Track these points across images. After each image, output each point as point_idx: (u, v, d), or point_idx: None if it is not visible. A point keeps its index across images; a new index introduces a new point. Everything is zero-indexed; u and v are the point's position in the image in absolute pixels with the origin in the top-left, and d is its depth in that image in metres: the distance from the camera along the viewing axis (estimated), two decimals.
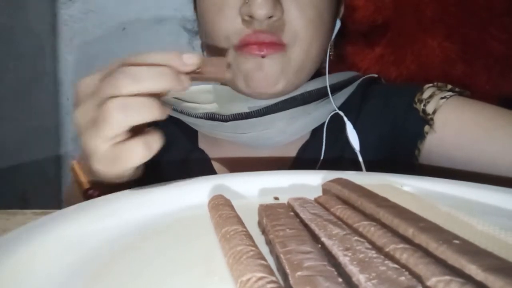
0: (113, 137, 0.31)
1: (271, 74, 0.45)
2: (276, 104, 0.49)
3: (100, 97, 0.31)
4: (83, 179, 0.39)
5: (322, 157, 0.51)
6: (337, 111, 0.51)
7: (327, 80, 0.51)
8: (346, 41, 0.70)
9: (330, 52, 0.53)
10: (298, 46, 0.45)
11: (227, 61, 0.37)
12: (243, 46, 0.44)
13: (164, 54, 0.33)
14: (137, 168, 0.34)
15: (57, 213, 0.28)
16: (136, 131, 0.32)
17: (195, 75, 0.34)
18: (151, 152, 0.32)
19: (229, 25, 0.44)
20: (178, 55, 0.33)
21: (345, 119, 0.51)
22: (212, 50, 0.47)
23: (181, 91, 0.33)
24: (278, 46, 0.44)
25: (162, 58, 0.32)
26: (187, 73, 0.33)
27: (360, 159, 0.50)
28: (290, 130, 0.50)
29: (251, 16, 0.42)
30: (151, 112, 0.31)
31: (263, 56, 0.44)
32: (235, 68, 0.46)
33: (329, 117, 0.52)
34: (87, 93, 0.33)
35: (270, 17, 0.42)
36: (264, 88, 0.46)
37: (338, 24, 0.52)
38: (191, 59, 0.33)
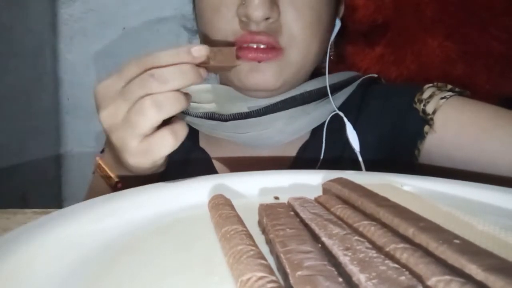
0: (148, 132, 0.33)
1: (269, 74, 0.45)
2: (275, 104, 0.49)
3: (131, 98, 0.34)
4: (111, 173, 0.42)
5: (322, 157, 0.51)
6: (337, 111, 0.51)
7: (327, 80, 0.51)
8: (346, 41, 0.70)
9: (330, 52, 0.52)
10: (296, 48, 0.45)
11: (235, 49, 0.38)
12: (239, 49, 0.44)
13: (176, 52, 0.34)
14: (165, 159, 0.37)
15: (57, 213, 0.28)
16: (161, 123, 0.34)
17: (206, 65, 0.36)
18: (179, 139, 0.34)
19: (226, 26, 0.44)
20: (188, 50, 0.34)
21: (345, 119, 0.51)
22: None
23: (200, 83, 0.35)
24: (274, 51, 0.44)
25: (176, 57, 0.34)
26: (198, 65, 0.35)
27: (360, 159, 0.50)
28: (289, 130, 0.50)
29: (248, 17, 0.42)
30: (180, 104, 0.34)
31: (259, 61, 0.44)
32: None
33: (329, 117, 0.52)
34: (111, 95, 0.35)
35: (267, 18, 0.42)
36: (261, 86, 0.46)
37: (338, 24, 0.52)
38: (200, 51, 0.34)
